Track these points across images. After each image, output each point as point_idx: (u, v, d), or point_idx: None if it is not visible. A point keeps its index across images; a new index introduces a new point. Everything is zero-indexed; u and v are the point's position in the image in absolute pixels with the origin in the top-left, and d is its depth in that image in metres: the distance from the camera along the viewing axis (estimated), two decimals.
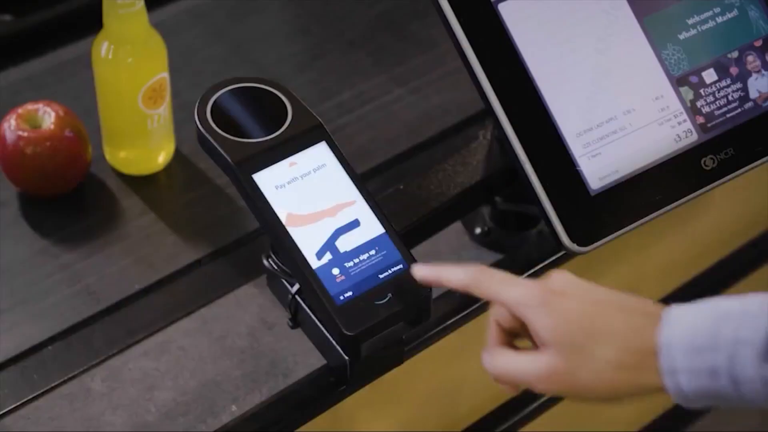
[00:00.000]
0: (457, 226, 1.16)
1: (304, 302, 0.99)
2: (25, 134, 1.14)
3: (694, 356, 0.80)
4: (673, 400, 0.82)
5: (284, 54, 1.36)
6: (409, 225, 1.05)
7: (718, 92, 1.05)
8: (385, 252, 0.94)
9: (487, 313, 1.10)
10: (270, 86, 0.99)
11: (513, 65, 1.00)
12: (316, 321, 0.97)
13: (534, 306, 0.84)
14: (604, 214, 1.01)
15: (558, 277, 0.86)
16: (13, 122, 1.15)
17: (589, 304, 0.84)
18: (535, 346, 0.85)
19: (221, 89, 0.98)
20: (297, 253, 0.92)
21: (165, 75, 1.17)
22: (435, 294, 0.97)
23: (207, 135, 0.95)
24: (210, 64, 1.33)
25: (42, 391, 1.04)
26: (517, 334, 0.88)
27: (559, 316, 0.83)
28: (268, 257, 1.00)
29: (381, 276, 0.93)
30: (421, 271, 0.90)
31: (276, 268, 0.99)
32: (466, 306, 1.08)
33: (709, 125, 1.05)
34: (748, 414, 1.64)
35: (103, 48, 1.14)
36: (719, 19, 1.07)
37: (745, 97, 1.06)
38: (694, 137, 1.04)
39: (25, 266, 1.13)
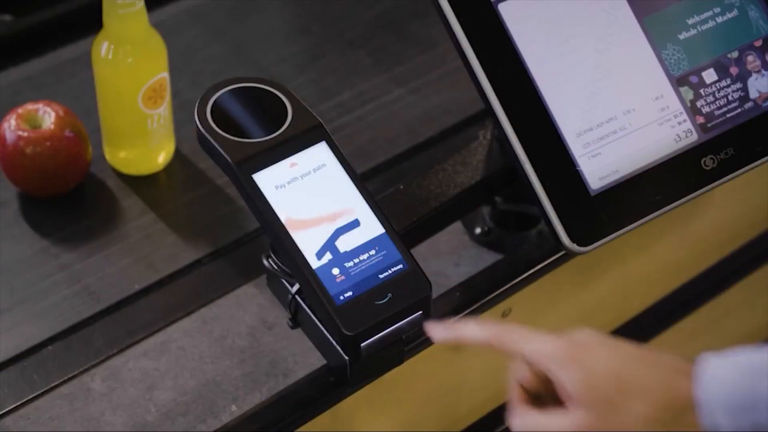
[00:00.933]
0: (457, 226, 1.16)
1: (304, 302, 0.99)
2: (25, 134, 1.14)
3: (735, 414, 0.79)
4: None
5: (284, 54, 1.36)
6: (409, 225, 1.05)
7: (718, 92, 1.05)
8: (385, 252, 0.94)
9: (487, 313, 1.11)
10: (270, 86, 0.99)
11: (513, 65, 1.00)
12: (316, 321, 0.97)
13: (561, 361, 0.82)
14: (604, 214, 1.01)
15: (582, 331, 0.84)
16: (13, 122, 1.15)
17: (616, 359, 0.83)
18: (558, 404, 0.84)
19: (221, 89, 0.98)
20: (297, 253, 0.92)
21: (165, 75, 1.17)
22: (435, 294, 0.97)
23: (207, 135, 0.95)
24: (210, 64, 1.33)
25: (42, 391, 1.04)
26: (539, 396, 0.87)
27: (588, 371, 0.82)
28: (268, 257, 1.00)
29: (381, 276, 0.93)
30: (439, 333, 0.89)
31: (276, 268, 0.99)
32: (466, 306, 1.08)
33: (709, 125, 1.05)
34: None
35: (103, 48, 1.14)
36: (719, 19, 1.07)
37: (745, 97, 1.06)
38: (694, 137, 1.04)
39: (25, 266, 1.13)
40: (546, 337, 0.84)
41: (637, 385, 0.82)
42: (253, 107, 0.98)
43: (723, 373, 0.80)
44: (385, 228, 0.94)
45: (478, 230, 1.17)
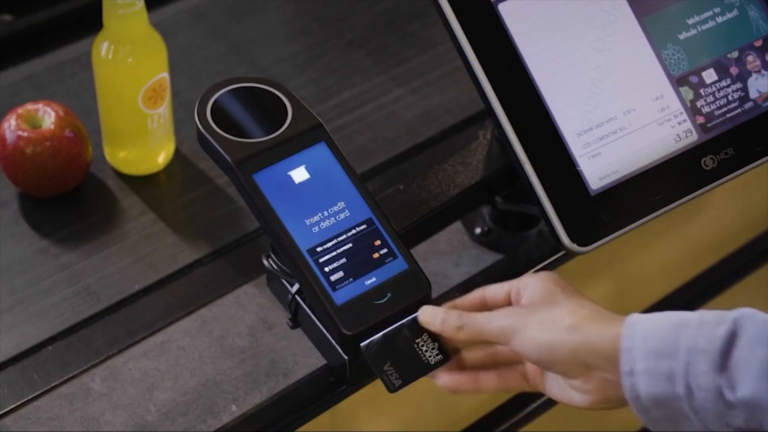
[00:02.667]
0: (457, 226, 1.16)
1: (304, 302, 0.99)
2: (25, 134, 1.14)
3: (653, 360, 0.81)
4: (629, 403, 0.83)
5: (284, 54, 1.36)
6: (409, 225, 1.05)
7: (718, 92, 1.05)
8: (384, 252, 0.94)
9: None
10: (270, 86, 0.99)
11: (513, 65, 1.00)
12: (316, 321, 0.97)
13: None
14: (604, 214, 1.01)
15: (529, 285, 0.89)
16: (13, 122, 1.15)
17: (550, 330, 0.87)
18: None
19: (221, 89, 0.98)
20: (297, 253, 0.92)
21: (165, 75, 1.17)
22: (435, 294, 0.97)
23: (207, 135, 0.95)
24: (210, 64, 1.33)
25: (42, 391, 1.04)
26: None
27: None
28: (268, 257, 1.00)
29: (381, 276, 0.93)
30: (427, 317, 0.92)
31: (276, 268, 0.99)
32: None
33: (709, 125, 1.05)
34: None
35: (103, 48, 1.14)
36: (719, 19, 1.07)
37: (745, 97, 1.06)
38: (694, 137, 1.04)
39: (25, 266, 1.13)
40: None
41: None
42: (253, 107, 0.98)
43: (648, 323, 0.82)
44: (385, 228, 0.94)
45: (478, 230, 1.17)
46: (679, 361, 0.80)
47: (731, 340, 0.80)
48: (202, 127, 0.96)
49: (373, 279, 0.93)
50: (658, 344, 0.81)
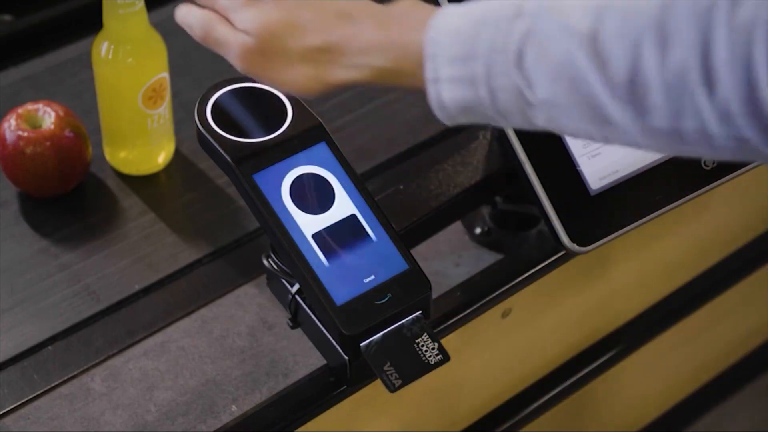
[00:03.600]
0: (457, 226, 1.16)
1: (304, 302, 0.99)
2: (25, 134, 1.14)
3: (455, 64, 0.78)
4: (435, 113, 0.82)
5: None
6: (409, 225, 1.05)
7: None
8: (385, 252, 0.94)
9: (488, 313, 1.11)
10: (270, 86, 0.99)
11: None
12: (316, 321, 0.97)
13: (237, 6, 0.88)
14: (604, 214, 1.01)
15: None
16: (13, 122, 1.15)
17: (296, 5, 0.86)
18: None
19: (221, 89, 0.98)
20: (297, 253, 0.92)
21: (165, 75, 1.17)
22: (435, 294, 0.97)
23: (207, 135, 0.95)
24: (210, 64, 1.33)
25: (42, 391, 1.04)
26: None
27: (261, 11, 0.87)
28: (268, 257, 1.00)
29: (381, 276, 0.93)
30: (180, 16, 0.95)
31: (276, 268, 0.99)
32: (466, 306, 1.08)
33: None
34: (748, 414, 1.64)
35: (103, 48, 1.14)
36: None
37: None
38: None
39: (25, 266, 1.13)
40: None
41: (301, 25, 0.85)
42: (253, 107, 0.98)
43: (455, 23, 0.79)
44: (385, 228, 0.94)
45: (478, 230, 1.17)
46: (479, 64, 0.77)
47: (525, 38, 0.76)
48: (202, 127, 0.96)
49: (373, 279, 0.93)
50: (460, 49, 0.78)
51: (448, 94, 0.79)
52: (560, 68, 0.74)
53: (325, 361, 1.02)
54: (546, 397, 1.27)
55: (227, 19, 0.89)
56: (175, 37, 1.32)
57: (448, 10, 0.80)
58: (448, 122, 0.82)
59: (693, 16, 0.70)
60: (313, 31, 0.85)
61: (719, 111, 0.70)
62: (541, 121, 0.77)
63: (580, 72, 0.74)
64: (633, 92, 0.72)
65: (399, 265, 0.93)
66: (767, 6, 0.67)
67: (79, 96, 1.27)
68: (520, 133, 0.99)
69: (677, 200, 1.04)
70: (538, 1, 0.76)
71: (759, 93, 0.68)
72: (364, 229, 0.94)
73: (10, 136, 1.15)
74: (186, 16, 0.95)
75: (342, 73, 0.85)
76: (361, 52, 0.83)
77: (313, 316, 0.98)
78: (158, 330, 1.09)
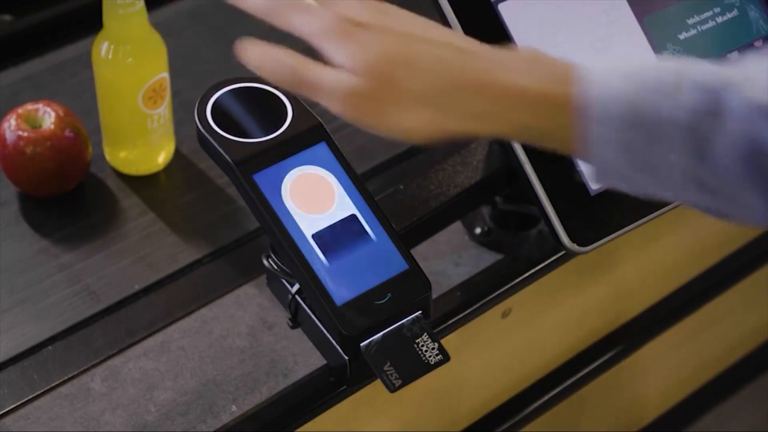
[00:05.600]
0: (457, 226, 1.16)
1: (304, 302, 0.99)
2: (25, 134, 1.14)
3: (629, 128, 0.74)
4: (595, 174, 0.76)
5: None
6: (409, 225, 1.05)
7: None
8: (385, 252, 0.94)
9: (487, 313, 1.11)
10: (270, 86, 0.99)
11: None
12: (316, 321, 0.97)
13: (333, 37, 0.78)
14: (604, 214, 1.01)
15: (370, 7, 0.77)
16: (13, 122, 1.15)
17: (401, 40, 0.77)
18: None
19: (221, 89, 0.98)
20: (297, 253, 0.92)
21: (165, 75, 1.17)
22: (435, 294, 0.97)
23: (207, 135, 0.95)
24: (210, 64, 1.33)
25: (42, 391, 1.04)
26: None
27: (365, 44, 0.77)
28: (268, 257, 1.00)
29: (381, 276, 0.93)
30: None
31: (276, 268, 0.99)
32: (466, 306, 1.08)
33: None
34: (748, 414, 1.64)
35: (103, 48, 1.14)
36: (719, 19, 1.06)
37: None
38: None
39: (25, 266, 1.13)
40: (318, 11, 0.78)
41: (421, 62, 0.76)
42: (253, 107, 0.98)
43: (611, 83, 0.74)
44: (385, 228, 0.94)
45: (478, 230, 1.17)
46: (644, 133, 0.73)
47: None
48: (202, 127, 0.96)
49: (373, 279, 0.93)
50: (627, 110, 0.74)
51: (609, 154, 0.74)
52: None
53: (325, 361, 1.02)
54: (546, 397, 1.27)
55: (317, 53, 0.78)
56: (175, 37, 1.32)
57: (599, 67, 0.75)
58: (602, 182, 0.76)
59: None
60: (433, 70, 0.75)
61: None
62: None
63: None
64: None
65: (399, 265, 0.93)
66: None
67: (79, 96, 1.27)
68: None
69: None
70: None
71: None
72: (364, 229, 0.94)
73: (10, 136, 1.15)
74: (265, 60, 0.81)
75: (470, 125, 0.76)
76: (497, 100, 0.75)
77: (313, 316, 0.98)
78: (158, 330, 1.09)
